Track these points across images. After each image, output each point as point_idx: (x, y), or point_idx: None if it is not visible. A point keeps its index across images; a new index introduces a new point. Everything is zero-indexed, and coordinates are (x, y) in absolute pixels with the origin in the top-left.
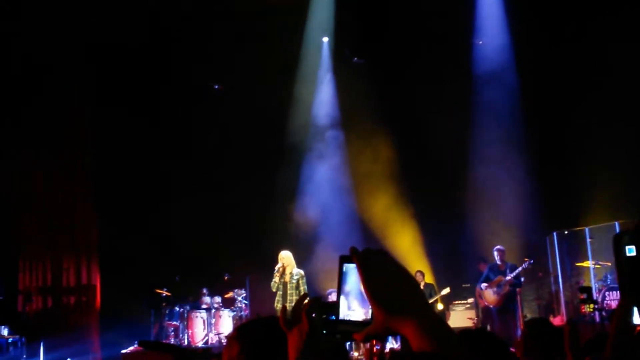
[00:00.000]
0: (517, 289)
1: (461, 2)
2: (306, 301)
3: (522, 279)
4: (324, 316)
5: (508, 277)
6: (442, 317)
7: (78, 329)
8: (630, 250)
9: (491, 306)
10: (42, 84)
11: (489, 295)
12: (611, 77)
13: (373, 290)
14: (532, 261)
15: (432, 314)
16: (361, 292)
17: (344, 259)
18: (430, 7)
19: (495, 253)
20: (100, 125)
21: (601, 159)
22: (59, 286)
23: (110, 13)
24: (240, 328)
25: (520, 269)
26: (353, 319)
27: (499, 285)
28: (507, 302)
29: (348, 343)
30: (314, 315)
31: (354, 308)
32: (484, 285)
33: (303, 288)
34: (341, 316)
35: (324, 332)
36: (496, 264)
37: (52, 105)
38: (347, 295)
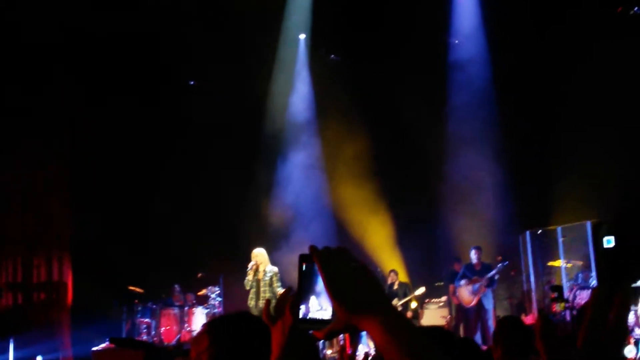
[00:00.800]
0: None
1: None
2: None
3: (497, 278)
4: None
5: (485, 278)
6: (416, 315)
7: (49, 326)
8: (609, 242)
9: (466, 306)
10: (19, 77)
11: (465, 294)
12: (584, 76)
13: (333, 289)
14: (506, 263)
15: (393, 310)
16: None
17: (304, 258)
18: (407, 4)
19: (472, 252)
20: (76, 120)
21: (573, 158)
22: (30, 282)
23: (90, 3)
24: (211, 322)
25: (495, 270)
26: (321, 317)
27: (474, 286)
28: (483, 302)
29: (321, 342)
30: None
31: (325, 307)
32: (463, 281)
33: (276, 285)
34: (311, 315)
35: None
36: (472, 263)
37: (26, 100)
38: (318, 295)
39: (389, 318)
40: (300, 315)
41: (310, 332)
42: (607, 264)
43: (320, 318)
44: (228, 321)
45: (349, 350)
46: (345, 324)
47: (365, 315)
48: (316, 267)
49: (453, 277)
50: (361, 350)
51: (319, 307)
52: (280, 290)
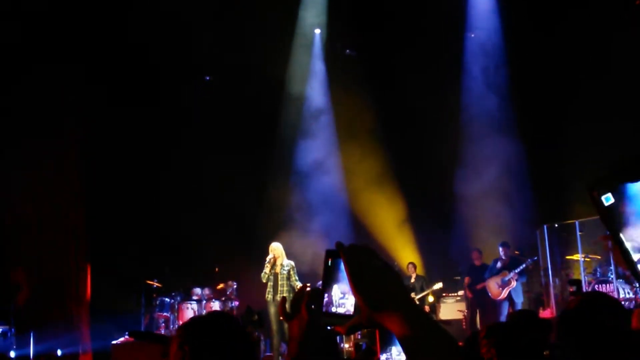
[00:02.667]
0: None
1: None
2: (307, 290)
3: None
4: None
5: (512, 273)
6: (433, 309)
7: (68, 320)
8: (607, 199)
9: (495, 299)
10: (34, 79)
11: (494, 287)
12: (604, 68)
13: (358, 285)
14: (535, 258)
15: (416, 307)
16: None
17: (330, 254)
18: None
19: (500, 249)
20: (90, 116)
21: (592, 151)
22: (49, 277)
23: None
24: (181, 325)
25: (524, 265)
26: (346, 308)
27: (503, 279)
28: (513, 295)
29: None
30: (313, 306)
31: (347, 296)
32: (492, 278)
33: (294, 279)
34: (334, 302)
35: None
36: (501, 258)
37: (41, 100)
38: (340, 283)
39: (411, 315)
40: (324, 303)
41: (330, 327)
42: (610, 222)
43: (342, 313)
44: (195, 323)
45: (379, 353)
46: (367, 319)
47: (388, 312)
48: (341, 263)
49: (471, 271)
50: (394, 351)
51: (341, 294)
52: (299, 284)
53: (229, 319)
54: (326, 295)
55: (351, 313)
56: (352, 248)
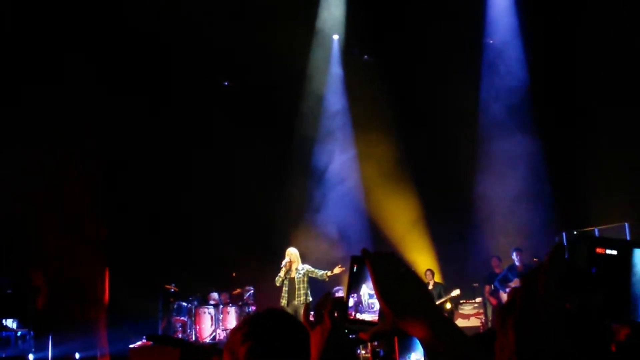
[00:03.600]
0: None
1: (472, 2)
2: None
3: None
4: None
5: None
6: (451, 316)
7: (86, 324)
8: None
9: None
10: (50, 88)
11: (505, 295)
12: (625, 72)
13: (383, 291)
14: None
15: (440, 316)
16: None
17: (356, 260)
18: (441, 5)
19: (514, 254)
20: (110, 120)
21: (612, 159)
22: (68, 281)
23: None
24: (245, 319)
25: None
26: (375, 307)
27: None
28: None
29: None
30: (336, 314)
31: (373, 302)
32: (502, 287)
33: (316, 274)
34: (363, 302)
35: (346, 331)
36: (515, 264)
37: (60, 102)
38: (368, 283)
39: (436, 322)
40: (351, 304)
41: (353, 335)
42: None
43: (367, 320)
44: (262, 317)
45: (397, 357)
46: (392, 326)
47: (413, 319)
48: (366, 269)
49: (491, 278)
50: (413, 358)
51: (369, 295)
52: (320, 272)
53: (286, 316)
54: (355, 295)
55: (376, 320)
56: (377, 254)
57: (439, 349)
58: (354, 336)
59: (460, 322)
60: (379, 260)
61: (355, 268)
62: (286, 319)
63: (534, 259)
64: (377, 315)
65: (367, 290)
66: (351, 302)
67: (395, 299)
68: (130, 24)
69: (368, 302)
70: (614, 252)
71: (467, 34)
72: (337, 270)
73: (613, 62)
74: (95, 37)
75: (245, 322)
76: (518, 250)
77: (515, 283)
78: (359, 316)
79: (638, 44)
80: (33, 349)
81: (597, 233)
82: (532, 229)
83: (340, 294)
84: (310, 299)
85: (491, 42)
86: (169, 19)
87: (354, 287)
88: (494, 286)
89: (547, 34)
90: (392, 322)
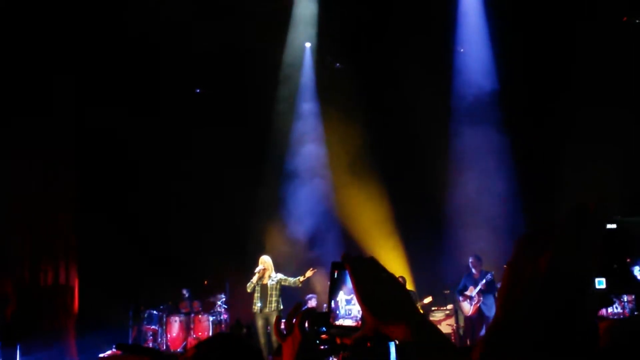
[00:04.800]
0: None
1: (443, 11)
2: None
3: (499, 285)
4: (316, 327)
5: (476, 289)
6: None
7: (55, 333)
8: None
9: (467, 315)
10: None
11: (465, 305)
12: (597, 75)
13: (364, 296)
14: (492, 273)
15: (422, 318)
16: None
17: (336, 266)
18: (411, 12)
19: (470, 262)
20: (82, 125)
21: (585, 160)
22: (36, 289)
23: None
24: (196, 345)
25: (481, 283)
26: (353, 313)
27: (471, 297)
28: (483, 310)
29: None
30: (306, 325)
31: (354, 302)
32: (460, 297)
33: (289, 282)
34: (340, 306)
35: (317, 342)
36: (471, 273)
37: (34, 107)
38: (346, 292)
39: (416, 324)
40: (332, 313)
41: (325, 345)
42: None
43: (348, 325)
44: (211, 343)
45: None
46: (374, 330)
47: (394, 322)
48: (347, 274)
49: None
50: None
51: (346, 302)
52: (292, 279)
53: (234, 343)
54: (333, 302)
55: (359, 325)
56: (357, 260)
57: (420, 350)
58: (326, 347)
59: None
60: (360, 265)
61: (336, 274)
62: (234, 346)
63: (505, 266)
64: (355, 320)
65: (343, 296)
66: (333, 306)
67: (375, 303)
68: (103, 24)
69: (345, 309)
70: (614, 226)
71: (438, 41)
72: (309, 273)
73: (585, 61)
74: (70, 43)
75: (193, 348)
76: (474, 257)
77: (470, 291)
78: (338, 322)
79: (610, 43)
80: (1, 359)
81: None
82: (506, 233)
83: (314, 301)
84: (282, 307)
85: (462, 50)
86: (141, 25)
87: (336, 293)
88: (455, 296)
89: (514, 32)
90: (373, 326)
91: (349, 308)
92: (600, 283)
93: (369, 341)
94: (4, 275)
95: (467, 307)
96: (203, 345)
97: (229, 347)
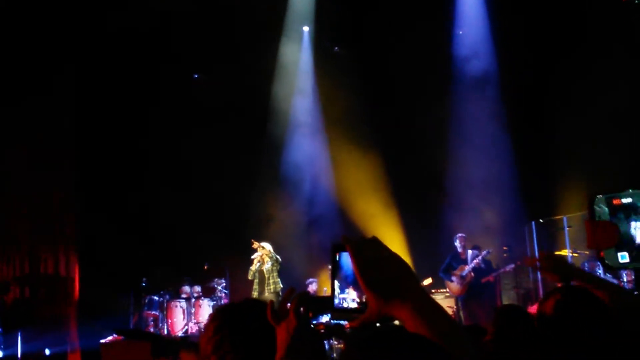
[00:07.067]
0: (488, 278)
1: None
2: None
3: (499, 269)
4: (317, 313)
5: (469, 266)
6: None
7: (56, 320)
8: (623, 257)
9: (456, 295)
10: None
11: (452, 284)
12: (589, 67)
13: (367, 278)
14: (489, 251)
15: (426, 296)
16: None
17: (337, 248)
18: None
19: (457, 240)
20: (82, 114)
21: (578, 147)
22: (37, 276)
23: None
24: (217, 310)
25: (476, 260)
26: (347, 303)
27: (461, 275)
28: (472, 291)
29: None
30: (302, 309)
31: (347, 291)
32: (453, 277)
33: (275, 268)
34: (336, 299)
35: (311, 327)
36: (457, 252)
37: (33, 95)
38: (343, 279)
39: (421, 302)
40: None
41: (345, 322)
42: None
43: (352, 307)
44: (232, 308)
45: None
46: (378, 312)
47: (399, 301)
48: (345, 256)
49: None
50: None
51: (339, 290)
52: (278, 281)
53: (261, 306)
54: (336, 284)
55: (362, 307)
56: (358, 241)
57: (425, 328)
58: (323, 331)
59: None
60: (361, 246)
61: (337, 256)
62: (254, 306)
63: (504, 248)
64: (354, 305)
65: (337, 286)
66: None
67: (379, 283)
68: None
69: (339, 298)
70: (630, 200)
71: (437, 24)
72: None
73: (584, 41)
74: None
75: (214, 313)
76: (460, 236)
77: (460, 270)
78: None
79: (609, 23)
80: (2, 346)
81: (565, 221)
82: (502, 219)
83: (314, 285)
84: (281, 286)
85: (460, 33)
86: (139, 13)
87: (338, 275)
88: (440, 276)
89: (512, 25)
90: (378, 307)
91: (343, 297)
92: (624, 257)
93: (375, 324)
94: (5, 263)
95: (456, 287)
96: (229, 306)
97: (255, 308)
